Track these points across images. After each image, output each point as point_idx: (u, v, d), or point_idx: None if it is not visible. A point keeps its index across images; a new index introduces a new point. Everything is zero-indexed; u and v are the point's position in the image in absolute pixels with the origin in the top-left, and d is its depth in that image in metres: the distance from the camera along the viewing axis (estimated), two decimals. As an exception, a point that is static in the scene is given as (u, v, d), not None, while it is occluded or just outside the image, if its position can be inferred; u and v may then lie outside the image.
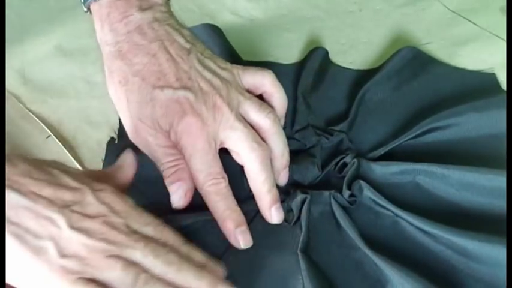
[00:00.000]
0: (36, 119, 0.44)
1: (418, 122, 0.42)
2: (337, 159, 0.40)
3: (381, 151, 0.40)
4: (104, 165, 0.41)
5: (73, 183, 0.30)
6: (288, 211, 0.38)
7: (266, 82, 0.39)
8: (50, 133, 0.43)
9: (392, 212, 0.37)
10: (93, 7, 0.38)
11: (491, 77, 0.47)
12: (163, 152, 0.36)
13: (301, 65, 0.48)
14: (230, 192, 0.35)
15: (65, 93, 0.46)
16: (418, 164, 0.39)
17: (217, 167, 0.35)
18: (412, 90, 0.46)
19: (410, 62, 0.47)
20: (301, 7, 0.55)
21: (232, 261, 0.34)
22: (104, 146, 0.42)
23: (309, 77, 0.45)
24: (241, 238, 0.34)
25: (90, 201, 0.29)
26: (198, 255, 0.32)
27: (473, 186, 0.38)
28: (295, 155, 0.40)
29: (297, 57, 0.50)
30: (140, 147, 0.37)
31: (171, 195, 0.36)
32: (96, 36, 0.38)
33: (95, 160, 0.42)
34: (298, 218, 0.37)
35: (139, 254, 0.29)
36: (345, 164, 0.40)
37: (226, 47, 0.47)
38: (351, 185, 0.38)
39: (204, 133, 0.35)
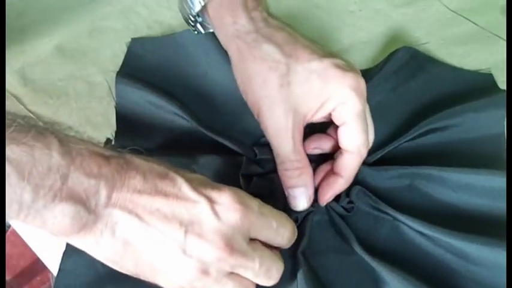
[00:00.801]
0: (36, 119, 0.44)
1: (416, 123, 0.42)
2: None
3: (379, 154, 0.40)
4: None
5: (191, 195, 0.29)
6: None
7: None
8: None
9: (391, 216, 0.37)
10: (223, 1, 0.38)
11: (489, 77, 0.47)
12: (295, 148, 0.36)
13: None
14: None
15: (65, 94, 0.46)
16: (416, 167, 0.39)
17: None
18: (409, 91, 0.46)
19: (407, 62, 0.47)
20: (301, 7, 0.55)
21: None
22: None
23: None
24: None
25: (208, 219, 0.28)
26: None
27: (471, 187, 0.38)
28: None
29: (296, 57, 0.50)
30: (270, 130, 0.36)
31: (292, 198, 0.36)
32: (227, 30, 0.38)
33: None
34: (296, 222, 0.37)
35: (250, 273, 0.30)
36: None
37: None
38: (349, 191, 0.38)
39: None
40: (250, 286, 0.31)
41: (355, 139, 0.36)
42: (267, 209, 0.31)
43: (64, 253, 0.36)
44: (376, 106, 0.45)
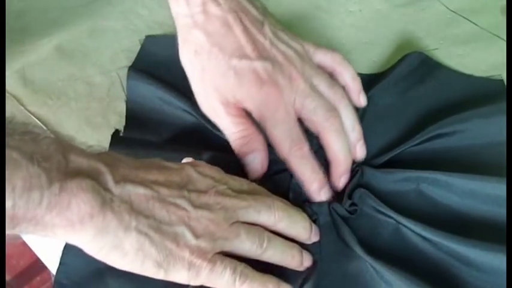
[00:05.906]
0: (36, 120, 0.44)
1: (424, 128, 0.41)
2: None
3: (385, 157, 0.40)
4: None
5: (174, 165, 0.32)
6: None
7: (336, 61, 0.40)
8: (50, 134, 0.43)
9: (395, 219, 0.37)
10: None
11: (499, 83, 0.47)
12: (233, 120, 0.37)
13: None
14: (313, 155, 0.37)
15: (65, 95, 0.46)
16: (421, 171, 0.39)
17: (299, 133, 0.37)
18: (418, 96, 0.45)
19: (417, 67, 0.47)
20: (302, 7, 0.55)
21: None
22: (104, 147, 0.42)
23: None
24: (324, 197, 0.37)
25: (197, 178, 0.31)
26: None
27: (476, 194, 0.38)
28: None
29: (296, 58, 0.50)
30: (209, 115, 0.39)
31: (246, 166, 0.37)
32: (171, 10, 0.39)
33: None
34: None
35: (252, 211, 0.32)
36: None
37: None
38: (352, 193, 0.38)
39: (283, 102, 0.36)
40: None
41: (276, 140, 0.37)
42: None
43: (64, 248, 0.36)
44: (385, 109, 0.45)
